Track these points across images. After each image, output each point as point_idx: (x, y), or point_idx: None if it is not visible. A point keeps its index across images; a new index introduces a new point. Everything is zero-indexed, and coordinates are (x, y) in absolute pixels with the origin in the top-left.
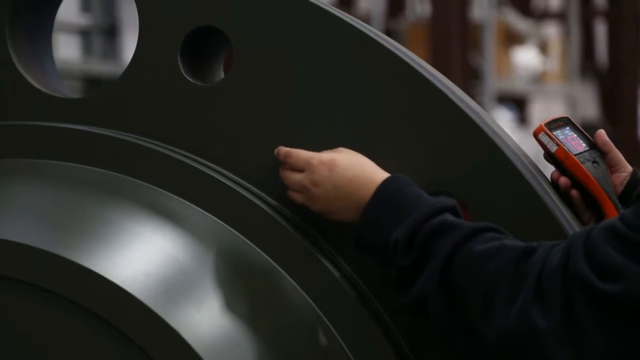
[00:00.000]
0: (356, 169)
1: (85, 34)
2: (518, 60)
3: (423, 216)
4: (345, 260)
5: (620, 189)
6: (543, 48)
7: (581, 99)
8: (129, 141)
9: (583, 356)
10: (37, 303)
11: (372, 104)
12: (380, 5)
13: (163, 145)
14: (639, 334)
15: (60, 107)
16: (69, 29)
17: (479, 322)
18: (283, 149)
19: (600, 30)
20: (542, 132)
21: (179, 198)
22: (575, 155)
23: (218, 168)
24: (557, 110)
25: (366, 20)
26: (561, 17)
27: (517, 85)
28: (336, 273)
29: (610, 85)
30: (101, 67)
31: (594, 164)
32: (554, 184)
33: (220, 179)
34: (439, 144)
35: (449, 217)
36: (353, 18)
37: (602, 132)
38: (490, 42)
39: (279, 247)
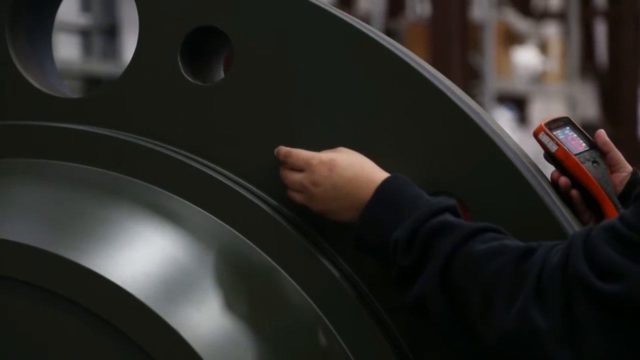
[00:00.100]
0: (356, 168)
1: (85, 34)
2: (518, 60)
3: (423, 216)
4: (345, 260)
5: (620, 188)
6: (543, 48)
7: (581, 99)
8: (129, 141)
9: (583, 356)
10: (37, 303)
11: (372, 104)
12: (380, 5)
13: (163, 145)
14: (639, 334)
15: (60, 107)
16: (69, 29)
17: (479, 322)
18: (283, 149)
19: (600, 30)
20: (542, 132)
21: (179, 198)
22: (575, 155)
23: (218, 168)
24: (557, 110)
25: (366, 20)
26: (561, 17)
27: (517, 85)
28: (336, 273)
29: (610, 85)
30: (101, 67)
31: (594, 164)
32: (554, 184)
33: (221, 179)
34: (439, 144)
35: (448, 217)
36: (353, 18)
37: (602, 132)
38: (490, 42)
39: (279, 247)
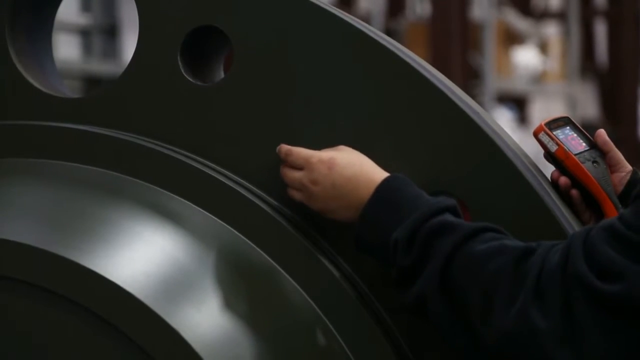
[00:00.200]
0: (355, 168)
1: (85, 34)
2: (518, 60)
3: (423, 216)
4: (345, 260)
5: (620, 188)
6: (543, 48)
7: (581, 99)
8: (129, 141)
9: (583, 356)
10: (37, 303)
11: (372, 104)
12: (380, 5)
13: (163, 145)
14: (639, 334)
15: (60, 107)
16: (69, 28)
17: (479, 322)
18: (284, 147)
19: (600, 30)
20: (542, 132)
21: (179, 198)
22: (575, 154)
23: (218, 168)
24: (557, 110)
25: (366, 20)
26: (561, 16)
27: (517, 85)
28: (336, 273)
29: (610, 85)
30: (101, 67)
31: (594, 164)
32: (554, 183)
33: (221, 179)
34: (439, 143)
35: (448, 217)
36: (353, 18)
37: (602, 132)
38: (490, 42)
39: (279, 247)
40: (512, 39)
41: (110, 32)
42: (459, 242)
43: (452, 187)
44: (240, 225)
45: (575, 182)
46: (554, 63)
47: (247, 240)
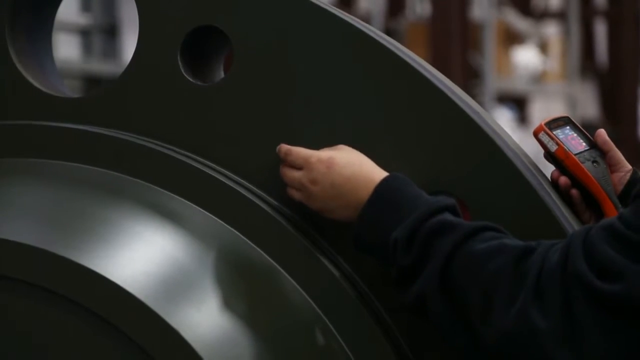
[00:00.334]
0: (355, 167)
1: (85, 34)
2: (518, 60)
3: (422, 216)
4: (345, 259)
5: (620, 188)
6: (543, 48)
7: (581, 99)
8: (129, 141)
9: (583, 356)
10: (37, 303)
11: (372, 104)
12: (380, 5)
13: (163, 145)
14: (639, 333)
15: (60, 107)
16: (69, 28)
17: (479, 322)
18: (284, 147)
19: (600, 30)
20: (542, 132)
21: (179, 198)
22: (575, 154)
23: (218, 168)
24: (557, 109)
25: (366, 20)
26: (561, 16)
27: (517, 85)
28: (336, 272)
29: (610, 85)
30: (101, 67)
31: (594, 164)
32: (554, 183)
33: (221, 179)
34: (439, 143)
35: (448, 216)
36: (353, 18)
37: (602, 132)
38: (490, 41)
39: (279, 246)
40: (512, 39)
41: (110, 32)
42: (459, 242)
43: (452, 186)
44: (240, 225)
45: (575, 181)
46: (554, 63)
47: (247, 240)
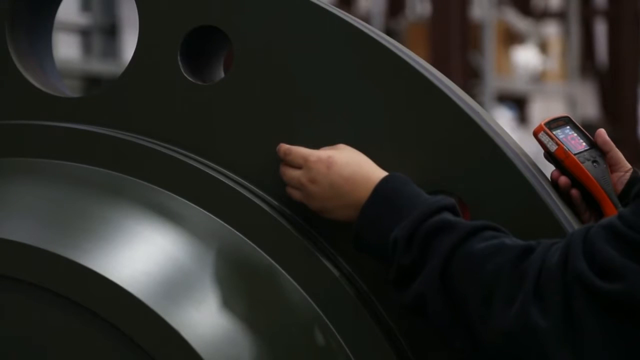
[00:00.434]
0: (354, 167)
1: (85, 34)
2: (518, 60)
3: (422, 215)
4: (345, 259)
5: (620, 188)
6: (543, 47)
7: (581, 99)
8: (129, 140)
9: (583, 356)
10: (37, 303)
11: (372, 104)
12: (380, 5)
13: (163, 144)
14: (639, 333)
15: (60, 106)
16: (69, 28)
17: (479, 321)
18: (284, 146)
19: (600, 30)
20: (542, 132)
21: (179, 197)
22: (575, 154)
23: (218, 167)
24: (557, 109)
25: (366, 20)
26: (561, 16)
27: (517, 85)
28: (336, 272)
29: (610, 85)
30: (101, 67)
31: (594, 164)
32: (553, 183)
33: (221, 179)
34: (439, 143)
35: (447, 216)
36: (353, 18)
37: (602, 132)
38: (490, 41)
39: (279, 246)
40: (512, 38)
41: (110, 32)
42: (458, 241)
43: (452, 186)
44: (240, 225)
45: (575, 181)
46: (554, 63)
47: (247, 240)
